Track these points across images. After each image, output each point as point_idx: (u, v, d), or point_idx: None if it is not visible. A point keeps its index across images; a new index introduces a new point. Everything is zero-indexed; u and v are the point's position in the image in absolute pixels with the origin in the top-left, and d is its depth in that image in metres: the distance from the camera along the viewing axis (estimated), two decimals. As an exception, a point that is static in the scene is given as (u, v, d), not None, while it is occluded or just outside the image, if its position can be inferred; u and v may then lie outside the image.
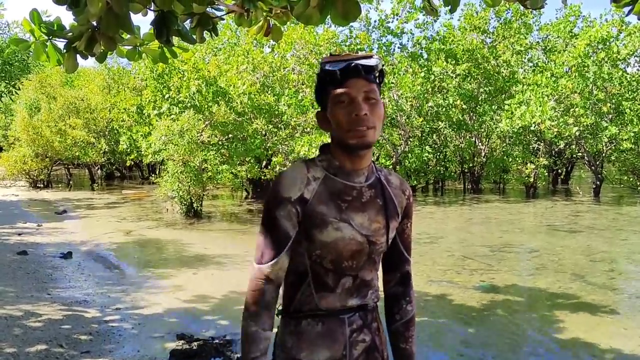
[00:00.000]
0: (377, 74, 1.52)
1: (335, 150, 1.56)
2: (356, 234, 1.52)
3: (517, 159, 18.69)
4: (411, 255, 1.73)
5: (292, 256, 1.54)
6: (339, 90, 1.48)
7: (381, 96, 1.56)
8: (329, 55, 1.56)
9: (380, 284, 1.69)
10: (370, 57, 1.52)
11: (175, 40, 2.56)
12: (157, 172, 23.94)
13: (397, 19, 19.11)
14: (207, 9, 2.51)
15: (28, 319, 5.13)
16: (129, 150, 17.23)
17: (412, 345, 1.70)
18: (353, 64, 1.48)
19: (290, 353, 1.54)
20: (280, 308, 1.59)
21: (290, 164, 1.63)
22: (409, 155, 18.76)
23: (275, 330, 1.60)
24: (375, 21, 19.41)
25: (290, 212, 1.49)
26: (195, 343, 4.45)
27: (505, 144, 19.72)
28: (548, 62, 19.12)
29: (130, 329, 5.03)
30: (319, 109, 1.60)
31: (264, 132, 15.67)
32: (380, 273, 1.69)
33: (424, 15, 18.76)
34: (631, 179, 18.46)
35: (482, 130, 19.34)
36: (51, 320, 5.15)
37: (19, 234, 10.41)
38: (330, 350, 1.54)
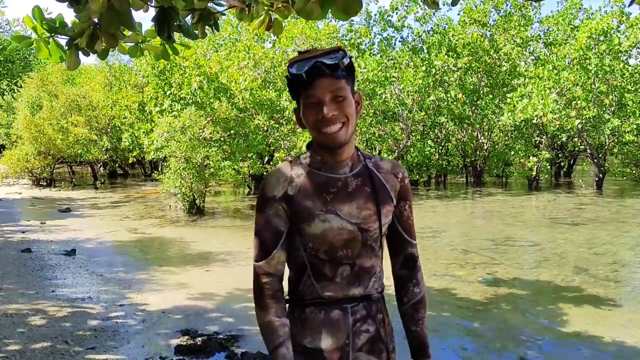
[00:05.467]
0: (344, 69, 1.53)
1: (316, 146, 1.61)
2: (345, 223, 1.55)
3: (520, 152, 18.66)
4: (415, 237, 1.73)
5: (291, 251, 1.61)
6: (307, 93, 1.52)
7: (357, 89, 1.60)
8: (297, 54, 1.58)
9: (386, 270, 1.70)
10: (337, 50, 1.54)
11: (177, 36, 2.56)
12: (159, 169, 23.98)
13: (397, 14, 19.10)
14: (209, 5, 2.51)
15: (33, 316, 5.16)
16: (131, 147, 17.25)
17: (423, 327, 1.72)
18: (317, 65, 1.49)
19: (295, 339, 1.59)
20: (286, 297, 1.65)
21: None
22: (411, 149, 18.75)
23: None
24: (375, 15, 19.38)
25: (277, 209, 1.56)
26: (200, 338, 4.46)
27: (507, 138, 19.69)
28: (550, 54, 19.06)
29: (135, 325, 5.05)
30: (296, 107, 1.63)
31: (265, 128, 15.68)
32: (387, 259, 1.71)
33: (422, 9, 18.73)
34: (634, 172, 18.42)
35: (484, 123, 19.30)
36: (56, 317, 5.18)
37: (23, 232, 10.45)
38: (333, 338, 1.57)
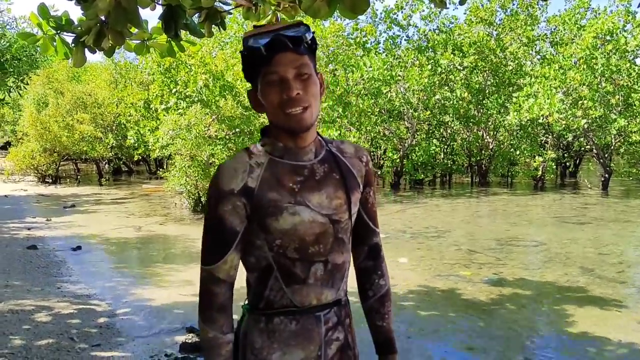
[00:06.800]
0: (307, 44, 1.37)
1: (276, 131, 1.43)
2: (316, 215, 1.39)
3: (525, 152, 18.60)
4: (378, 225, 1.61)
5: (251, 251, 1.42)
6: (268, 69, 1.35)
7: (318, 68, 1.43)
8: (252, 28, 1.42)
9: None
10: (298, 25, 1.39)
11: (183, 33, 2.56)
12: (164, 167, 24.02)
13: (402, 12, 19.07)
14: (215, 3, 2.51)
15: (39, 313, 5.18)
16: (136, 144, 17.28)
17: (390, 322, 1.60)
18: (278, 37, 1.33)
19: (260, 354, 1.41)
20: (246, 304, 1.49)
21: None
22: (417, 148, 18.72)
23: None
24: (381, 13, 19.34)
25: (235, 205, 1.36)
26: (204, 336, 4.46)
27: (513, 137, 19.64)
28: (556, 54, 18.99)
29: (140, 322, 5.06)
30: (251, 88, 1.46)
31: (270, 126, 15.60)
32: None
33: (428, 7, 18.70)
34: (640, 172, 18.36)
35: (490, 123, 19.26)
36: (61, 313, 5.20)
37: (29, 229, 10.48)
38: (305, 351, 1.43)
